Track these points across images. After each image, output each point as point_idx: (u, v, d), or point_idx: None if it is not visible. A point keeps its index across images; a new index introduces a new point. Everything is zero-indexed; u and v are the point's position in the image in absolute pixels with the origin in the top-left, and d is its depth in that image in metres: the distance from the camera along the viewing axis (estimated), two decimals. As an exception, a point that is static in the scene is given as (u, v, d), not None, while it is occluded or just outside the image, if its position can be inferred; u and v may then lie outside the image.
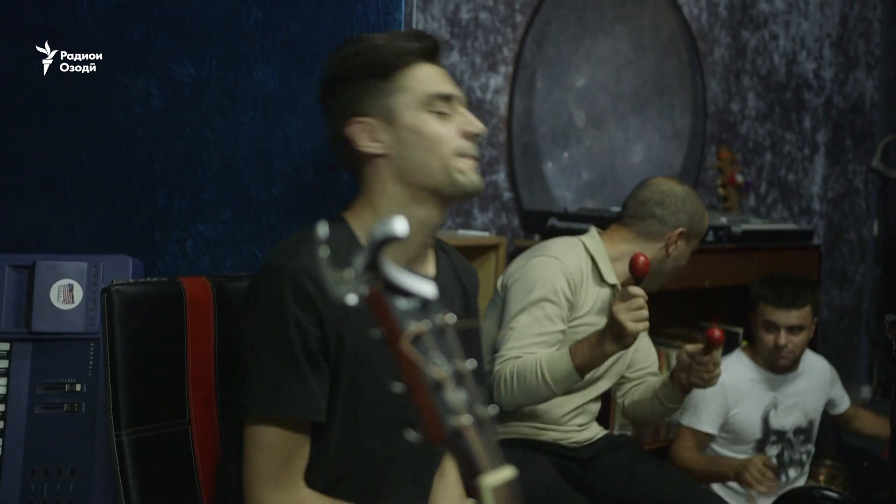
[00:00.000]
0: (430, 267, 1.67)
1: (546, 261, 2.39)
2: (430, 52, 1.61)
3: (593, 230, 2.55)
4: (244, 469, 1.50)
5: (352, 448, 1.55)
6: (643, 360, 2.66)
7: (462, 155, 1.58)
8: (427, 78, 1.58)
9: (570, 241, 2.50)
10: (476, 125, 1.59)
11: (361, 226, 1.60)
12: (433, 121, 1.57)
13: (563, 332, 2.36)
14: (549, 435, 2.49)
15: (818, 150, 5.02)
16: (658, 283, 2.56)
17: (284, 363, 1.46)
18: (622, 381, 2.65)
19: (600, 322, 2.34)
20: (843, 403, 3.27)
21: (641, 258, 2.22)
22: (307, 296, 1.46)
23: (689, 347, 2.33)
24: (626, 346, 2.17)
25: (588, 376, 2.38)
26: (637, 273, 2.22)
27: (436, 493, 1.71)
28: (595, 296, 2.43)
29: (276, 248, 1.55)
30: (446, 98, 1.59)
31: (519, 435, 2.47)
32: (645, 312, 2.14)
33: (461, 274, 1.76)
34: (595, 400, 2.59)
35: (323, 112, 1.69)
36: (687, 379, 2.36)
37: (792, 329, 2.94)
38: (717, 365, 2.31)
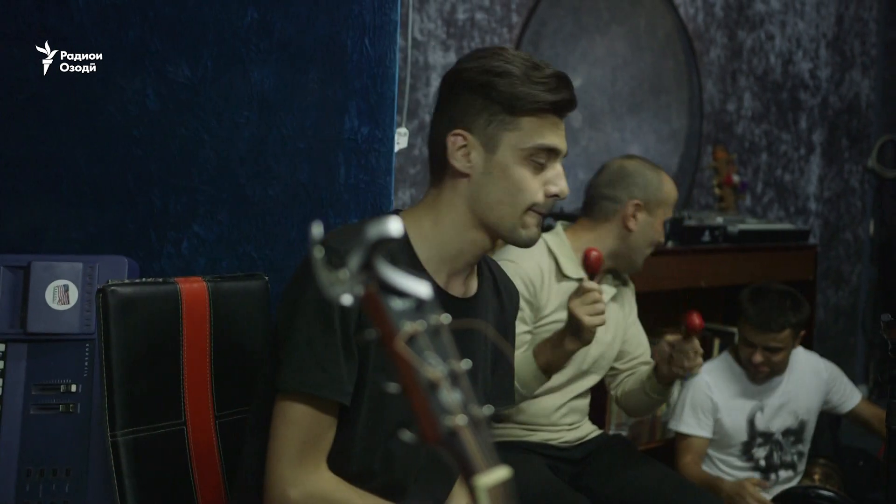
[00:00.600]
0: (473, 284, 1.69)
1: (502, 265, 2.39)
2: (563, 109, 1.61)
3: (558, 226, 2.55)
4: (269, 443, 1.51)
5: (375, 445, 1.55)
6: (633, 349, 2.65)
7: (534, 210, 1.60)
8: (543, 129, 1.59)
9: None
10: (561, 187, 1.61)
11: (416, 227, 1.60)
12: (525, 169, 1.58)
13: (529, 332, 2.36)
14: (539, 435, 2.48)
15: (814, 150, 5.03)
16: (636, 261, 2.55)
17: (321, 343, 1.48)
18: (613, 372, 2.64)
19: None
20: (849, 402, 3.20)
21: (593, 253, 2.22)
22: None
23: (669, 337, 2.34)
24: (586, 342, 2.17)
25: (573, 372, 2.38)
26: (589, 269, 2.22)
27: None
28: (559, 293, 2.43)
29: (333, 232, 1.56)
30: (550, 151, 1.60)
31: (508, 437, 2.47)
32: (601, 306, 2.14)
33: (503, 294, 1.78)
34: (583, 396, 2.57)
35: (437, 102, 1.68)
36: (669, 370, 2.36)
37: (769, 349, 2.94)
38: (697, 353, 2.31)
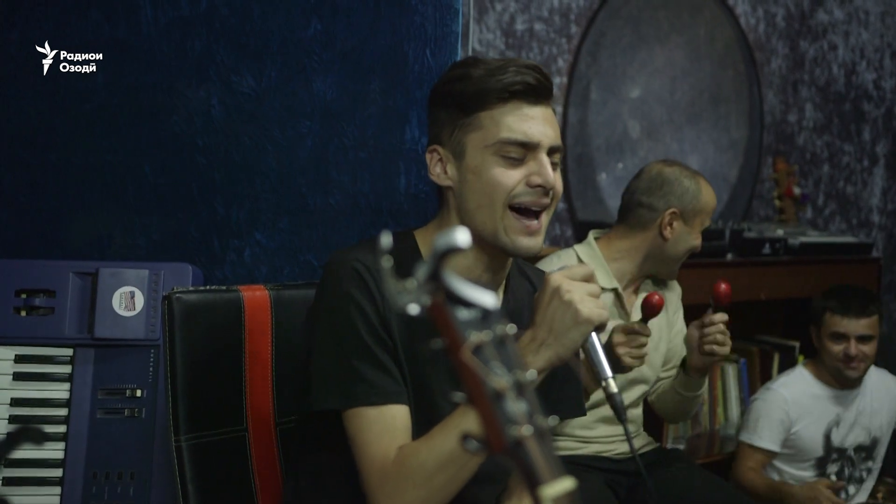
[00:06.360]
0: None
1: None
2: (527, 95, 1.51)
3: (590, 236, 2.54)
4: (359, 459, 1.46)
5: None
6: (677, 358, 2.62)
7: (516, 208, 1.51)
8: (507, 121, 1.50)
9: (563, 253, 2.50)
10: (544, 176, 1.50)
11: (427, 246, 1.60)
12: (498, 166, 1.50)
13: None
14: (591, 448, 2.46)
15: (877, 162, 4.94)
16: (671, 267, 2.52)
17: (354, 351, 1.46)
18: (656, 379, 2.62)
19: None
20: None
21: (656, 297, 2.14)
22: (364, 283, 1.48)
23: (695, 322, 2.31)
24: (620, 373, 2.12)
25: (618, 382, 2.36)
26: (647, 312, 2.14)
27: None
28: None
29: (335, 252, 1.58)
30: (522, 145, 1.51)
31: (561, 450, 2.44)
32: (645, 351, 2.10)
33: None
34: (633, 406, 2.54)
35: None
36: (699, 357, 2.32)
37: (862, 338, 2.90)
38: (726, 332, 2.28)
